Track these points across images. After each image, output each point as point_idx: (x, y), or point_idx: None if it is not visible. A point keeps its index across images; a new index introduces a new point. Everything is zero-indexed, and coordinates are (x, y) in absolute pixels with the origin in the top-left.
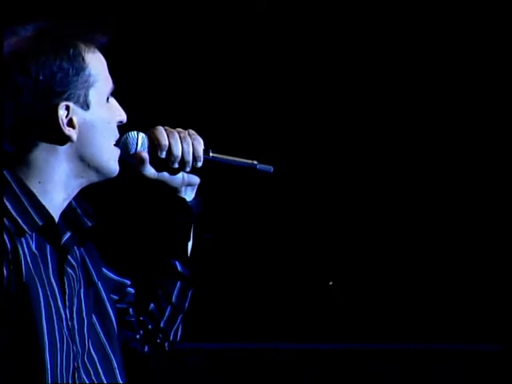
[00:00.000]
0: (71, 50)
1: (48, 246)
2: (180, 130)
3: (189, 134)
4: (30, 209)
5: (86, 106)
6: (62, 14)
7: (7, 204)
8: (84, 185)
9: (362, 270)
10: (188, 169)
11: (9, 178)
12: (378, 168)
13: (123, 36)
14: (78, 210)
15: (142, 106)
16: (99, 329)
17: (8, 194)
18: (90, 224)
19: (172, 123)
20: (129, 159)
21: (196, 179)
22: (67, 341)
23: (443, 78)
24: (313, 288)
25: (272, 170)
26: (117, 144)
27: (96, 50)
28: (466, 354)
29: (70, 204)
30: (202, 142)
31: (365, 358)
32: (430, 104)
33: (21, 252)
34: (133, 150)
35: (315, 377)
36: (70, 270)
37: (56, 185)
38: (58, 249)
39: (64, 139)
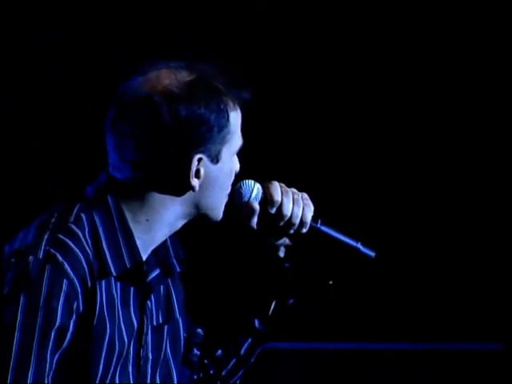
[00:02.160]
0: (221, 106)
1: (132, 287)
2: (295, 190)
3: (302, 197)
4: (123, 249)
5: (215, 160)
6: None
7: (102, 237)
8: (184, 223)
9: (361, 269)
10: (292, 231)
11: (112, 209)
12: (377, 168)
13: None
14: (171, 251)
15: None
16: (172, 366)
17: (106, 227)
18: (178, 269)
19: None
20: (239, 207)
21: (290, 243)
22: (128, 379)
23: (443, 78)
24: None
25: (374, 255)
26: (231, 194)
27: (238, 107)
28: (464, 353)
29: (165, 241)
30: (312, 208)
31: (362, 358)
32: (429, 104)
33: (98, 294)
34: (245, 199)
35: (314, 376)
36: (149, 307)
37: (162, 225)
38: (141, 286)
39: (187, 188)
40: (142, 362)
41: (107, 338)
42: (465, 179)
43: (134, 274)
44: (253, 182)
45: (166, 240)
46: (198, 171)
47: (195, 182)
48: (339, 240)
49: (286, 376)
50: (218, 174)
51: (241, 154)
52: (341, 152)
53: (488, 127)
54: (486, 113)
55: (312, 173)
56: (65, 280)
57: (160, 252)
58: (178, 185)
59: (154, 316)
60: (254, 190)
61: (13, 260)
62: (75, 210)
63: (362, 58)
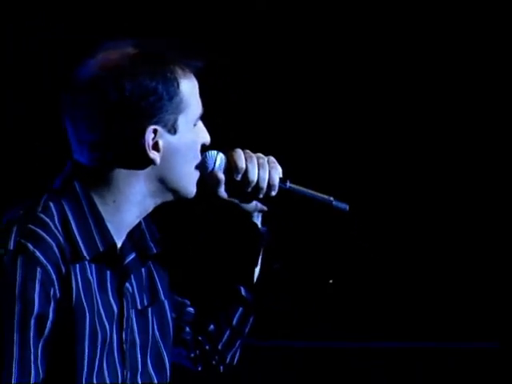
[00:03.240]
0: (168, 74)
1: (108, 271)
2: (260, 155)
3: (268, 161)
4: (94, 233)
5: (173, 130)
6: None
7: (72, 223)
8: (157, 204)
9: (360, 268)
10: (261, 196)
11: (80, 195)
12: (376, 168)
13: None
14: (146, 233)
15: None
16: (163, 348)
17: (75, 213)
18: (155, 251)
19: None
20: (205, 178)
21: (264, 207)
22: (115, 365)
23: (443, 78)
24: (310, 286)
25: (347, 208)
26: (197, 166)
27: (191, 75)
28: (463, 351)
29: (139, 223)
30: (280, 170)
31: (360, 357)
32: (429, 104)
33: (73, 280)
34: (209, 169)
35: (313, 375)
36: (129, 291)
37: (131, 205)
38: (118, 270)
39: (147, 162)
40: (126, 347)
41: (88, 324)
42: (465, 179)
43: (108, 257)
44: (215, 152)
45: (140, 223)
46: (156, 144)
47: (154, 154)
48: (310, 197)
49: (277, 375)
50: (178, 144)
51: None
52: (341, 151)
53: (488, 127)
54: (486, 113)
55: (312, 173)
56: (38, 268)
57: (135, 235)
58: (138, 160)
59: (138, 300)
60: (217, 159)
61: None
62: (43, 201)
63: (362, 58)
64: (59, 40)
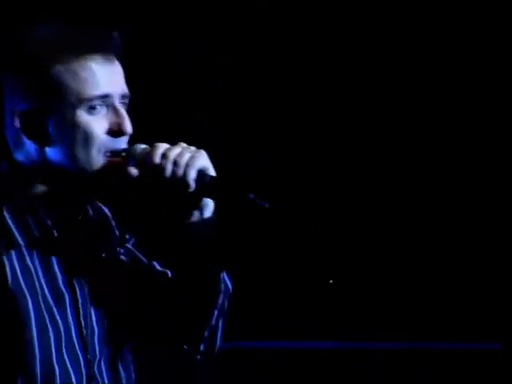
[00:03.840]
0: (29, 59)
1: (53, 257)
2: (178, 152)
3: (185, 156)
4: (29, 220)
5: (48, 111)
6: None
7: (6, 214)
8: (70, 188)
9: (360, 268)
10: (179, 192)
11: (15, 187)
12: (376, 167)
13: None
14: (97, 221)
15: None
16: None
17: (9, 204)
18: (104, 239)
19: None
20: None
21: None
22: (75, 352)
23: (443, 78)
24: (310, 286)
25: (267, 205)
26: (104, 152)
27: (73, 59)
28: (464, 352)
29: (87, 211)
30: (199, 165)
31: (360, 357)
32: (429, 104)
33: (7, 266)
34: (131, 163)
35: (312, 376)
36: (84, 277)
37: (49, 192)
38: (65, 256)
39: (34, 147)
40: (86, 332)
41: (32, 310)
42: (464, 179)
43: (48, 242)
44: (139, 145)
45: (88, 211)
46: (30, 128)
47: (35, 138)
48: (228, 195)
49: (274, 376)
50: (59, 126)
51: (244, 152)
52: (341, 151)
53: (488, 127)
54: (486, 113)
55: (312, 173)
56: None
57: (85, 223)
58: (26, 149)
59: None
60: (136, 151)
61: None
62: None
63: (362, 59)
64: None
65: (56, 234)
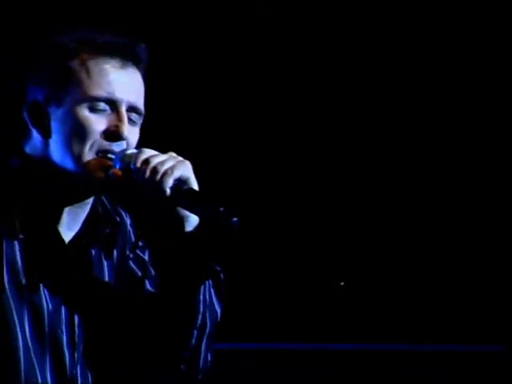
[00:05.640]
0: (41, 54)
1: (52, 253)
2: (162, 159)
3: (167, 164)
4: (33, 209)
5: (49, 104)
6: None
7: (10, 203)
8: (71, 184)
9: (362, 271)
10: (155, 197)
11: (24, 179)
12: (377, 169)
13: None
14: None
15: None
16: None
17: (20, 196)
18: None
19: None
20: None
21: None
22: (60, 348)
23: (443, 78)
24: (317, 288)
25: (236, 222)
26: (97, 150)
27: (85, 58)
28: (466, 355)
29: (93, 209)
30: (177, 175)
31: (363, 359)
32: (429, 104)
33: (5, 257)
34: (115, 166)
35: (316, 377)
36: (80, 273)
37: (52, 190)
38: (63, 252)
39: (37, 140)
40: (77, 331)
41: (26, 300)
42: (464, 179)
43: (48, 236)
44: (129, 149)
45: (94, 208)
46: (36, 118)
47: (39, 128)
48: (197, 207)
49: (288, 376)
50: (61, 119)
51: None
52: (341, 152)
53: (488, 127)
54: (486, 113)
55: (312, 172)
56: None
57: (92, 222)
58: (33, 140)
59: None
60: (122, 155)
61: None
62: None
63: (361, 63)
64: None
65: (60, 229)
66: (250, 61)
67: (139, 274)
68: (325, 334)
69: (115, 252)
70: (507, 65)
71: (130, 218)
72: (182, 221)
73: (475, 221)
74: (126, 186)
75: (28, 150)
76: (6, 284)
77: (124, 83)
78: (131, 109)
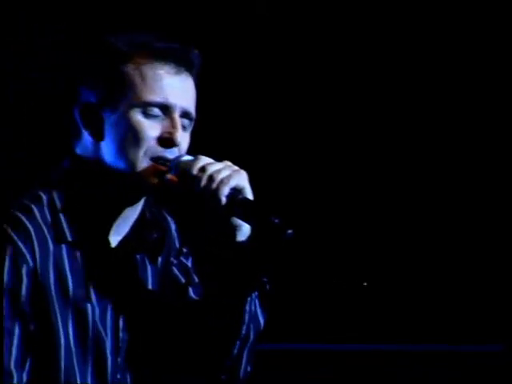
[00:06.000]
0: (102, 58)
1: (99, 260)
2: (219, 167)
3: (224, 173)
4: (82, 218)
5: (106, 107)
6: None
7: (59, 209)
8: (118, 191)
9: (362, 271)
10: (211, 206)
11: (70, 184)
12: (379, 170)
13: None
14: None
15: None
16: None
17: (64, 200)
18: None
19: None
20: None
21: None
22: (103, 352)
23: (443, 78)
24: (317, 288)
25: (291, 233)
26: (152, 156)
27: (142, 64)
28: (466, 355)
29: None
30: (233, 184)
31: (363, 359)
32: (429, 105)
33: (51, 261)
34: (171, 172)
35: (318, 377)
36: (128, 280)
37: (100, 192)
38: (111, 259)
39: (88, 143)
40: (122, 336)
41: (71, 303)
42: (464, 179)
43: (96, 241)
44: (185, 156)
45: (143, 216)
46: (89, 120)
47: (91, 131)
48: (253, 216)
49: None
50: (115, 122)
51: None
52: (342, 152)
53: (488, 127)
54: (486, 113)
55: (312, 173)
56: (9, 245)
57: (140, 226)
58: (84, 142)
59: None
60: (178, 161)
61: None
62: (33, 191)
63: (362, 63)
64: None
65: (110, 230)
66: (250, 61)
67: (183, 280)
68: (325, 333)
69: (160, 258)
70: (507, 65)
71: (175, 223)
72: (234, 230)
73: (475, 221)
74: (180, 192)
75: (78, 151)
76: (52, 286)
77: (178, 89)
78: (184, 114)
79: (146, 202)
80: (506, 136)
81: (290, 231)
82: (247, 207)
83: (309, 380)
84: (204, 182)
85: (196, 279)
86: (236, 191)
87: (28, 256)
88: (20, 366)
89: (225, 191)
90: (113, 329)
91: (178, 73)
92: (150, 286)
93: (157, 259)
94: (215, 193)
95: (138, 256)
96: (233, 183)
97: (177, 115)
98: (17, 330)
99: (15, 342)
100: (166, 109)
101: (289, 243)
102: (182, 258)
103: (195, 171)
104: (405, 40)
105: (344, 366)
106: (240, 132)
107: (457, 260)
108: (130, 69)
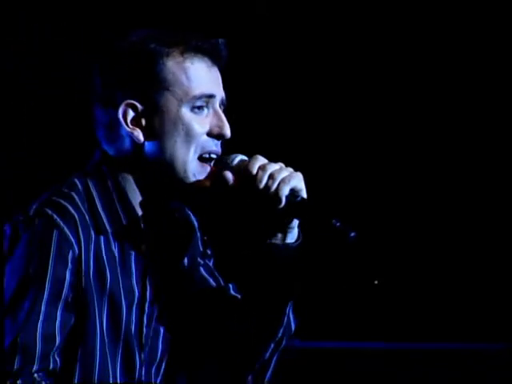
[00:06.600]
0: (145, 54)
1: (132, 252)
2: (276, 167)
3: (282, 173)
4: (118, 208)
5: (154, 106)
6: None
7: (96, 199)
8: (159, 186)
9: (362, 271)
10: (270, 205)
11: (106, 175)
12: (379, 169)
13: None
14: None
15: None
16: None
17: (100, 190)
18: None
19: None
20: (218, 175)
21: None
22: (132, 347)
23: (443, 78)
24: (318, 288)
25: (353, 236)
26: (200, 154)
27: (188, 59)
28: (466, 354)
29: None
30: (293, 184)
31: (363, 359)
32: (429, 105)
33: (92, 248)
34: (225, 166)
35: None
36: (157, 276)
37: (135, 188)
38: (144, 252)
39: (130, 140)
40: (145, 331)
41: (107, 293)
42: (465, 179)
43: (132, 231)
44: (240, 155)
45: (178, 210)
46: (135, 118)
47: (135, 130)
48: (314, 218)
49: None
50: (161, 120)
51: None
52: (342, 152)
53: (488, 127)
54: (486, 113)
55: (312, 173)
56: (55, 230)
57: (171, 223)
58: (122, 141)
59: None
60: (234, 160)
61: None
62: (69, 180)
63: (361, 63)
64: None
65: (143, 226)
66: (250, 61)
67: (211, 281)
68: (325, 333)
69: (186, 258)
70: (507, 65)
71: (198, 221)
72: (286, 231)
73: (476, 221)
74: (237, 191)
75: (112, 152)
76: (91, 276)
77: (216, 79)
78: (222, 103)
79: (176, 201)
80: (505, 136)
81: (352, 234)
82: (309, 209)
83: (309, 379)
84: (265, 180)
85: (221, 281)
86: (294, 192)
87: (74, 242)
88: (60, 350)
89: (285, 191)
90: (137, 324)
91: (213, 64)
92: (177, 283)
93: (183, 258)
94: (276, 192)
95: (166, 254)
96: (293, 183)
97: (217, 106)
98: (59, 314)
99: (57, 324)
100: (210, 101)
101: (352, 246)
102: (206, 261)
103: (255, 170)
104: (405, 39)
105: (344, 365)
106: (240, 132)
107: (457, 259)
108: (172, 65)
